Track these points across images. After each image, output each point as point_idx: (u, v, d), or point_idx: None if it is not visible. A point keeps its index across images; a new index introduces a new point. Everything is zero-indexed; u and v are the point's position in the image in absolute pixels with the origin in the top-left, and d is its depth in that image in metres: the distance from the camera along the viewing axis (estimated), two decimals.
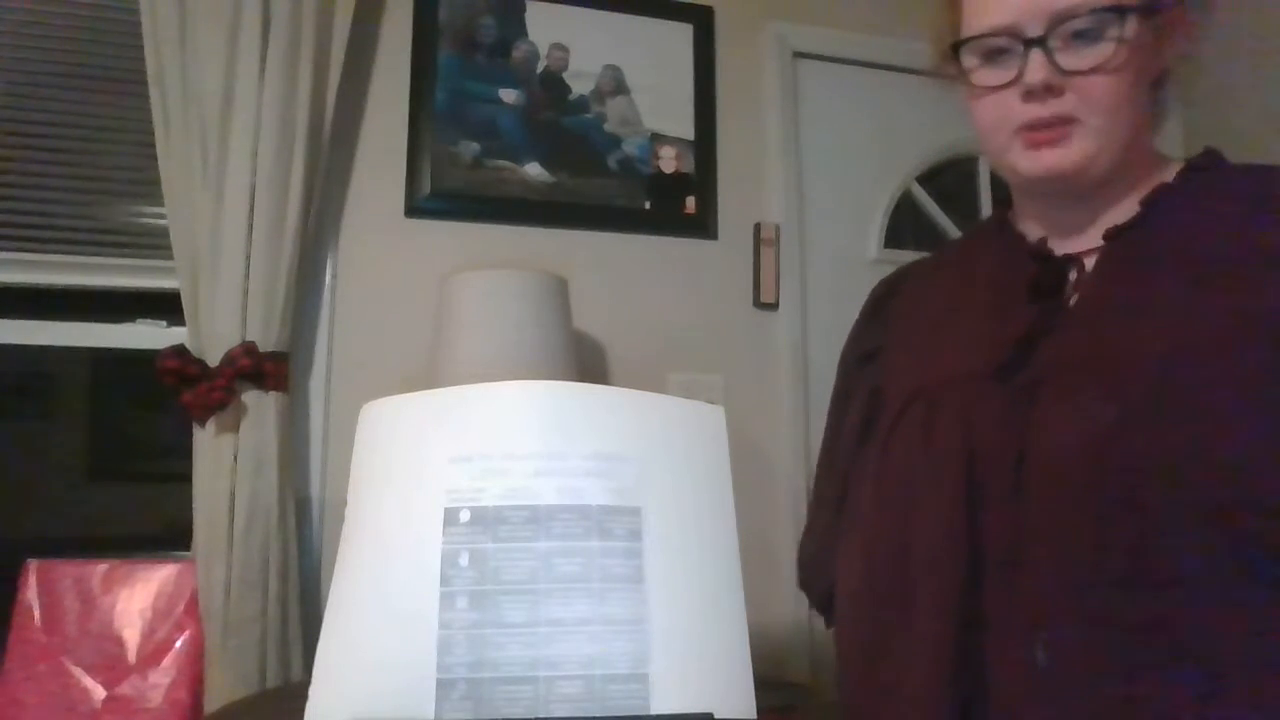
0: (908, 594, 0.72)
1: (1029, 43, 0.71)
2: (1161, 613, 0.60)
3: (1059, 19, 0.70)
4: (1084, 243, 0.76)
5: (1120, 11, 0.69)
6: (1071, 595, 0.63)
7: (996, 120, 0.75)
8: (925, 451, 0.74)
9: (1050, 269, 0.76)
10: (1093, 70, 0.70)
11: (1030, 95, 0.72)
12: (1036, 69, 0.71)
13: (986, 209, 2.25)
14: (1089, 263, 0.75)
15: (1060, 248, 0.78)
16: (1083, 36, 0.70)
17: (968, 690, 0.67)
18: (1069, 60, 0.70)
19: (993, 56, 0.74)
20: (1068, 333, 0.72)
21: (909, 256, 0.98)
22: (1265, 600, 0.58)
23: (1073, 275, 0.76)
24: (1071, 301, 0.74)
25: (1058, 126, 0.72)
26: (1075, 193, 0.76)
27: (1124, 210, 0.75)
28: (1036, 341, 0.72)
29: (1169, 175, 0.76)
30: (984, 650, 0.67)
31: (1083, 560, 0.63)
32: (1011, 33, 0.72)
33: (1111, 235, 0.74)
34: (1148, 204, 0.74)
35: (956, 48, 0.76)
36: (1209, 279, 0.67)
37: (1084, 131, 0.71)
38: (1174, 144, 0.82)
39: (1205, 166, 0.76)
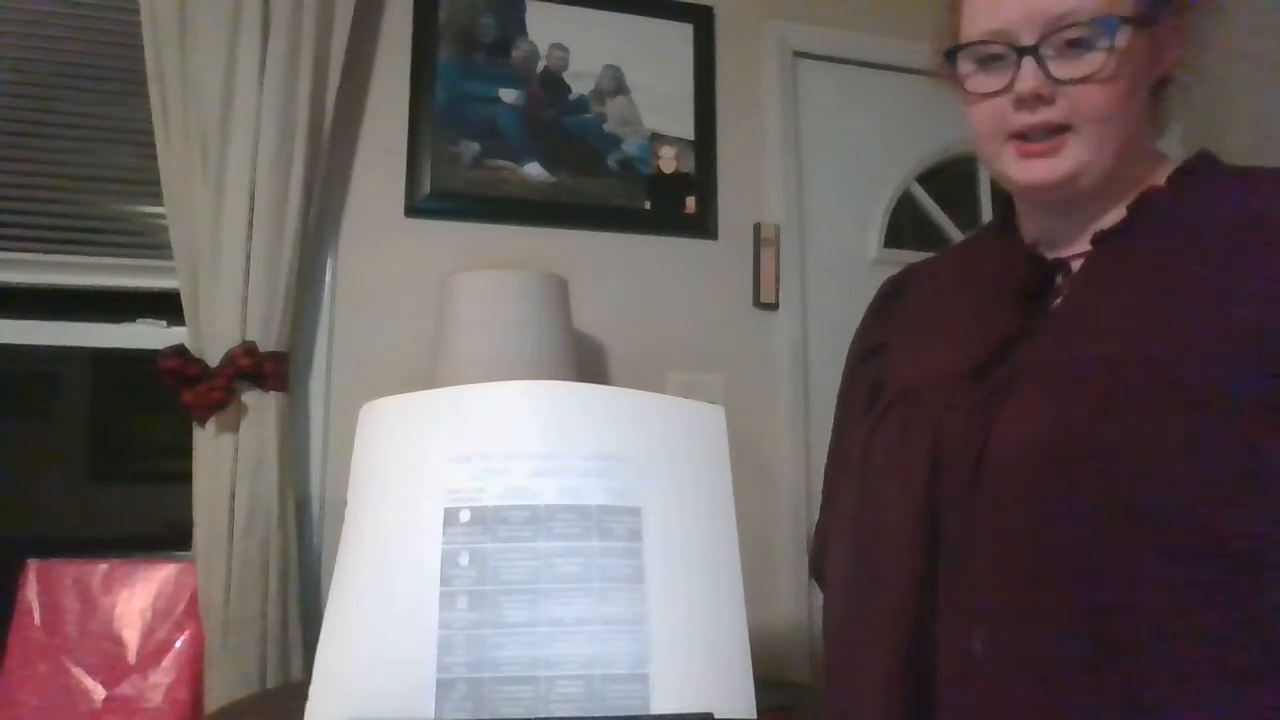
0: (876, 582, 0.75)
1: (1022, 51, 0.71)
2: (1092, 613, 0.62)
3: (1052, 27, 0.70)
4: (1076, 247, 0.77)
5: (1113, 22, 0.69)
6: (1008, 592, 0.66)
7: (990, 127, 0.75)
8: (900, 448, 0.76)
9: (1038, 272, 0.77)
10: (1084, 79, 0.70)
11: (1022, 103, 0.72)
12: (1028, 77, 0.71)
13: (986, 209, 2.25)
14: (1077, 267, 0.76)
15: (1053, 251, 0.79)
16: (1076, 45, 0.70)
17: (925, 673, 0.70)
18: (1061, 69, 0.70)
19: (987, 63, 0.74)
20: (1043, 336, 0.73)
21: (909, 256, 0.99)
22: (1195, 604, 0.60)
23: (1060, 279, 0.77)
24: (1055, 305, 0.75)
25: (1050, 138, 0.72)
26: (1067, 200, 0.76)
27: (1115, 215, 0.75)
28: (1017, 344, 0.74)
29: (1162, 179, 0.76)
30: (936, 637, 0.70)
31: (1020, 559, 0.66)
32: (1005, 39, 0.72)
33: (1098, 240, 0.75)
34: (1134, 209, 0.74)
35: (952, 53, 0.77)
36: (1181, 286, 0.68)
37: (1076, 140, 0.72)
38: (1174, 145, 0.82)
39: (1195, 170, 0.76)
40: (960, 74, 0.76)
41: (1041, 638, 0.64)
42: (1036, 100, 0.71)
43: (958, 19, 0.78)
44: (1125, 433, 0.63)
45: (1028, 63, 0.71)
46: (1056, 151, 0.72)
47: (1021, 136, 0.73)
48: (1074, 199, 0.75)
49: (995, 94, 0.73)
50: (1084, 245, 0.76)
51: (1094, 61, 0.70)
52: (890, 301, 0.94)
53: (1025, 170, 0.74)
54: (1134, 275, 0.71)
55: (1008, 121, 0.73)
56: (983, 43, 0.73)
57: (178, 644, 1.55)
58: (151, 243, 1.76)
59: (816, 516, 0.99)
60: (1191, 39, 0.75)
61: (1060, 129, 0.72)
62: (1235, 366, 0.62)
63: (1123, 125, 0.72)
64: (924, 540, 0.71)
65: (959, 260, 0.92)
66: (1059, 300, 0.75)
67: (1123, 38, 0.70)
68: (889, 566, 0.74)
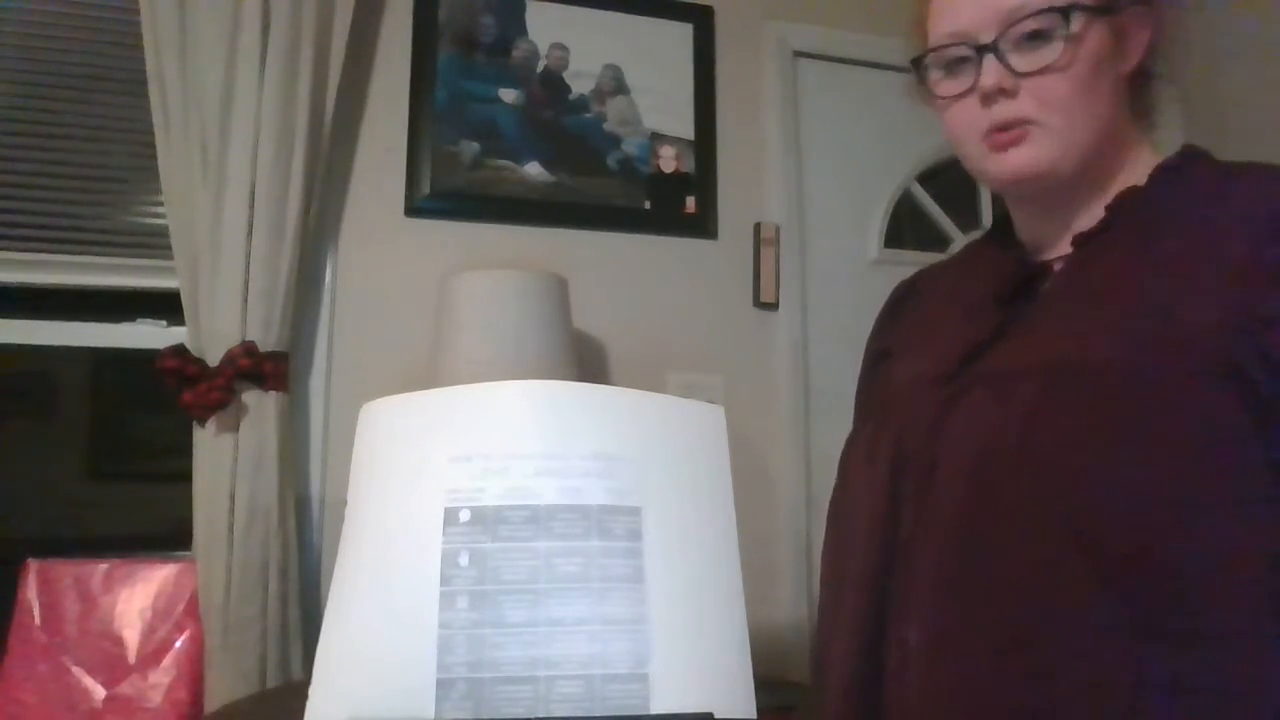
0: (845, 579, 0.79)
1: (982, 49, 0.72)
2: (1006, 611, 0.65)
3: (1008, 21, 0.71)
4: (1060, 249, 0.77)
5: (1065, 11, 0.70)
6: (938, 589, 0.69)
7: (964, 129, 0.76)
8: (868, 453, 0.80)
9: (1019, 275, 0.78)
10: (1043, 70, 0.70)
11: (987, 99, 0.72)
12: (990, 73, 0.72)
13: (986, 209, 2.25)
14: (1060, 269, 0.76)
15: (1041, 254, 0.79)
16: (1035, 38, 0.71)
17: (880, 661, 0.73)
18: (1020, 62, 0.71)
19: (953, 67, 0.75)
20: (1009, 341, 0.74)
21: (909, 256, 1.00)
22: (1103, 609, 0.61)
23: (1044, 282, 0.77)
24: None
25: (1017, 128, 0.72)
26: (1048, 195, 0.76)
27: (1096, 215, 0.75)
28: (987, 349, 0.75)
29: (1144, 176, 0.75)
30: (886, 631, 0.74)
31: (950, 559, 0.68)
32: (966, 39, 0.73)
33: (1078, 242, 0.75)
34: (1113, 209, 0.74)
35: (919, 61, 0.78)
36: (1137, 289, 0.68)
37: (1043, 132, 0.72)
38: (1175, 146, 0.81)
39: (1177, 166, 0.75)
40: (930, 82, 0.77)
41: (966, 630, 0.67)
42: (1000, 94, 0.72)
43: (924, 32, 0.78)
44: (1052, 441, 0.64)
45: (989, 59, 0.72)
46: (1025, 140, 0.72)
47: (992, 132, 0.74)
48: (1054, 193, 0.76)
49: (963, 95, 0.74)
50: (1067, 247, 0.76)
51: (1052, 52, 0.70)
52: (898, 307, 0.95)
53: (1000, 164, 0.74)
54: (1100, 278, 0.71)
55: (978, 121, 0.74)
56: (946, 46, 0.75)
57: (178, 644, 1.55)
58: (151, 243, 1.76)
59: (816, 517, 1.00)
60: (1161, 26, 0.75)
61: (1025, 122, 0.72)
62: (1174, 374, 0.62)
63: (1090, 115, 0.72)
64: (883, 542, 0.74)
65: (960, 265, 0.93)
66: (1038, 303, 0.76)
67: (1078, 24, 0.70)
68: (854, 566, 0.77)
